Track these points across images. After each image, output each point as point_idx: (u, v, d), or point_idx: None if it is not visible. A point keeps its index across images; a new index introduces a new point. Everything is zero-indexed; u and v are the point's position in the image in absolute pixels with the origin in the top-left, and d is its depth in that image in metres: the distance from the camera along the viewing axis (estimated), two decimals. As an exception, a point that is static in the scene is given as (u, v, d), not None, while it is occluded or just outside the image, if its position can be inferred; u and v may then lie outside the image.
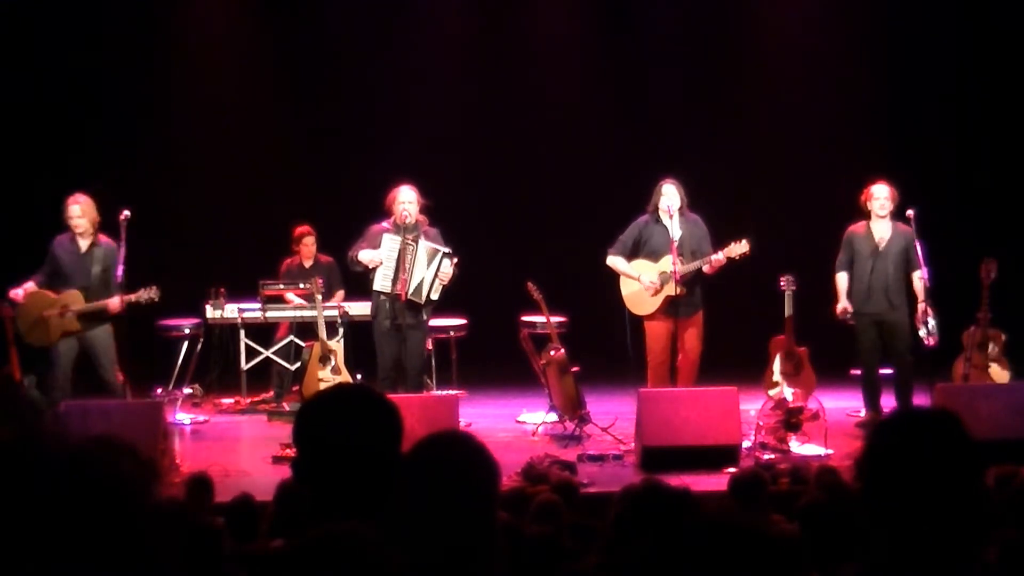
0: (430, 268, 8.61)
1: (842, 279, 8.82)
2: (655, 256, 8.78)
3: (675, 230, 8.72)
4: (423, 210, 8.72)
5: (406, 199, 8.59)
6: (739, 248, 8.56)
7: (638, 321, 8.91)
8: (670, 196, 8.71)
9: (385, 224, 8.62)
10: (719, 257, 8.59)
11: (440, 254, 8.63)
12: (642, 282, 8.75)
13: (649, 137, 11.74)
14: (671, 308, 8.73)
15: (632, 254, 8.86)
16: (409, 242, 8.54)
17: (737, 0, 12.36)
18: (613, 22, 12.17)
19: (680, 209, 8.74)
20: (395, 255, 8.52)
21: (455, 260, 8.75)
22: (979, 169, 11.54)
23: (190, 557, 3.43)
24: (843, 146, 11.66)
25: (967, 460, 2.23)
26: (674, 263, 8.55)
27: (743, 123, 11.87)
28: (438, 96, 11.97)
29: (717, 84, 11.98)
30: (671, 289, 8.63)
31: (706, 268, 8.66)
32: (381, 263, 8.54)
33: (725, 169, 11.56)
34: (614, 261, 8.91)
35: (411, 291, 8.56)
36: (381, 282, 8.60)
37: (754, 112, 11.91)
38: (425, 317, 8.83)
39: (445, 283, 8.78)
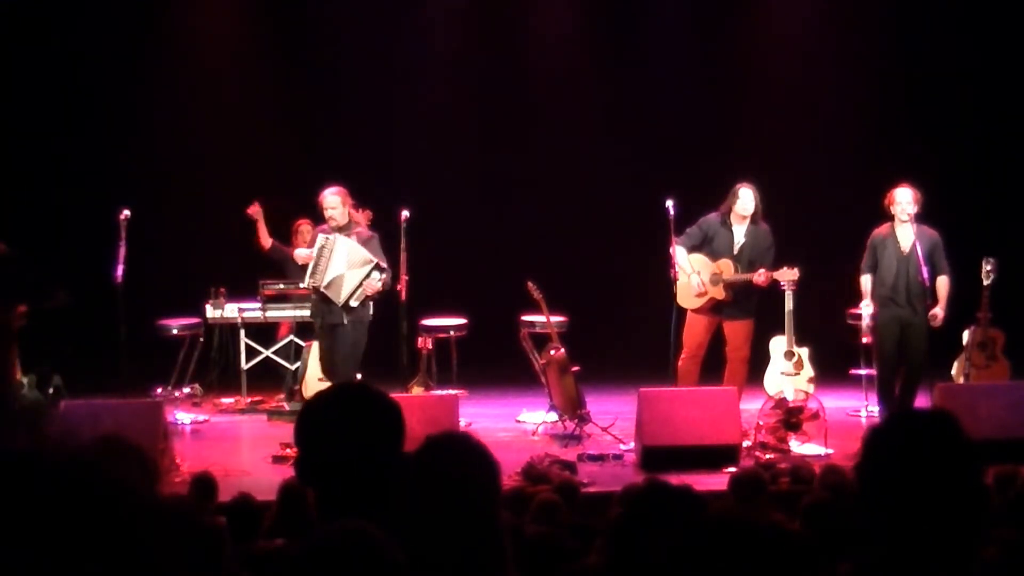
0: (355, 271, 8.54)
1: (865, 281, 8.74)
2: (715, 257, 8.91)
3: (740, 237, 8.87)
4: (357, 208, 8.82)
5: (327, 205, 8.65)
6: (789, 274, 8.73)
7: (684, 316, 8.99)
8: (745, 200, 8.83)
9: (326, 225, 8.75)
10: (759, 278, 8.71)
11: (372, 264, 8.59)
12: (691, 282, 8.86)
13: (652, 137, 11.74)
14: (715, 308, 8.92)
15: (697, 248, 8.95)
16: (329, 237, 8.59)
17: (744, 1, 12.35)
18: (617, 20, 12.17)
19: (752, 216, 8.85)
20: (317, 251, 8.67)
21: (383, 276, 8.68)
22: (979, 169, 11.54)
23: (194, 557, 3.43)
24: (844, 147, 11.65)
25: (964, 460, 2.24)
26: (674, 266, 8.65)
27: (742, 123, 11.86)
28: (438, 95, 11.96)
29: (721, 84, 11.98)
30: (718, 292, 8.84)
31: (758, 280, 8.75)
32: (309, 257, 8.70)
33: (726, 170, 11.53)
34: (678, 251, 8.91)
35: (325, 284, 8.53)
36: (308, 277, 8.69)
37: (753, 112, 11.90)
38: (351, 318, 8.67)
39: (369, 295, 8.76)
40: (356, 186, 11.57)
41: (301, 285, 8.95)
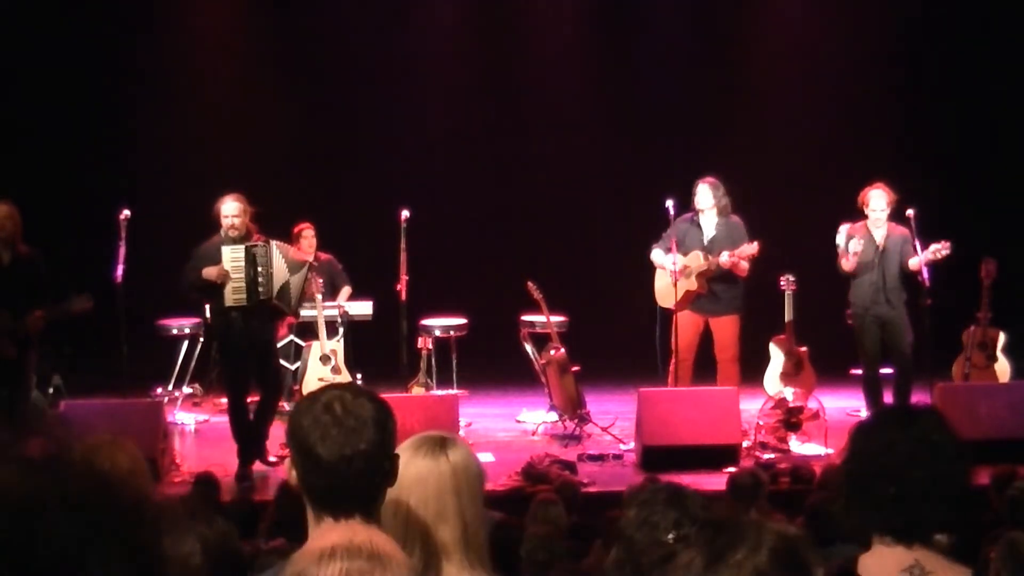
0: (296, 275, 8.10)
1: (844, 263, 8.66)
2: (687, 252, 8.91)
3: (710, 230, 8.83)
4: (253, 218, 8.06)
5: (230, 212, 7.91)
6: (749, 249, 8.70)
7: (668, 318, 8.96)
8: (701, 195, 8.89)
9: (215, 239, 7.99)
10: (725, 259, 8.68)
11: (307, 264, 8.30)
12: (664, 265, 8.84)
13: (650, 137, 11.73)
14: (695, 304, 8.87)
15: (671, 250, 8.94)
16: (257, 244, 7.93)
17: (738, 2, 12.35)
18: (616, 22, 12.17)
19: (720, 210, 8.87)
20: (241, 264, 7.87)
21: (312, 272, 8.62)
22: (979, 169, 11.53)
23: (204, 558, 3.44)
24: (843, 145, 11.65)
25: (949, 456, 2.23)
26: (674, 263, 8.60)
27: (744, 123, 11.86)
28: (439, 95, 11.96)
29: (718, 84, 11.98)
30: (691, 284, 8.78)
31: (725, 264, 8.72)
32: (227, 273, 7.83)
33: (726, 169, 11.53)
34: (654, 254, 8.99)
35: (276, 294, 7.98)
36: (234, 296, 7.86)
37: (754, 112, 11.90)
38: (275, 332, 8.35)
39: (307, 295, 8.66)
40: (356, 186, 11.64)
41: (231, 302, 7.90)
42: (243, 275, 7.87)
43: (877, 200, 8.56)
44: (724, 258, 8.71)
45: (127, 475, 2.71)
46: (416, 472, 2.43)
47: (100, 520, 1.21)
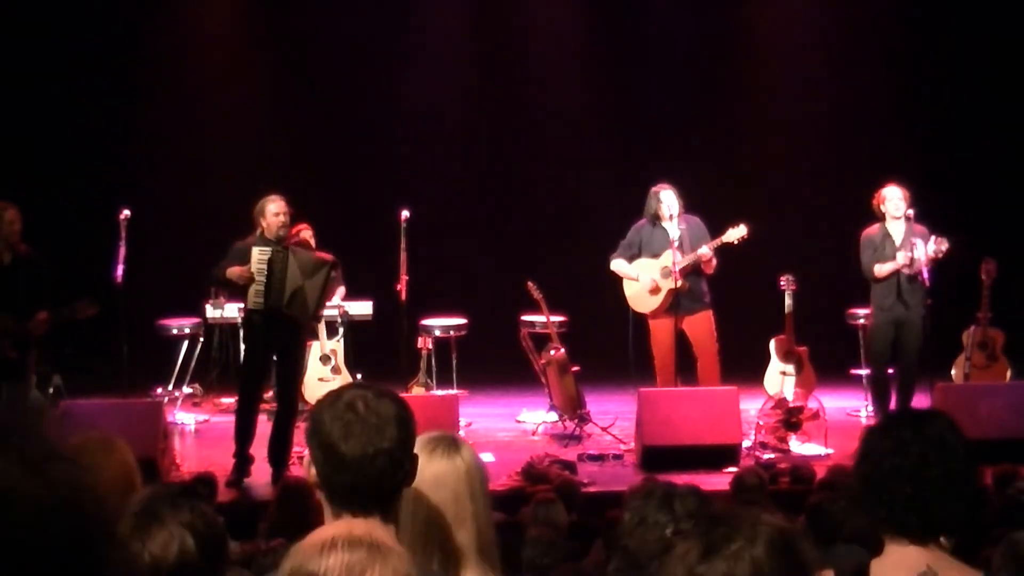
0: (313, 280, 7.88)
1: (880, 268, 8.57)
2: (657, 256, 8.78)
3: (674, 231, 8.71)
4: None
5: (282, 211, 7.85)
6: (737, 232, 8.54)
7: (642, 322, 8.90)
8: (669, 202, 8.69)
9: (250, 239, 7.92)
10: (705, 251, 8.53)
11: (327, 265, 7.99)
12: (641, 281, 8.75)
13: (650, 137, 11.74)
14: (673, 305, 8.68)
15: (636, 256, 8.86)
16: (279, 250, 7.82)
17: (740, 1, 12.35)
18: (614, 22, 12.17)
19: (680, 211, 8.76)
20: (265, 267, 7.76)
21: (336, 272, 8.38)
22: (978, 169, 11.54)
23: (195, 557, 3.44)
24: (843, 146, 11.66)
25: (960, 459, 2.25)
26: (674, 261, 8.53)
27: (743, 123, 11.87)
28: (438, 96, 11.95)
29: (717, 84, 11.98)
30: (671, 283, 8.60)
31: (704, 256, 8.57)
32: (252, 275, 7.73)
33: (725, 169, 11.56)
34: (617, 264, 8.91)
35: (286, 302, 7.77)
36: (253, 299, 7.79)
37: (754, 112, 11.90)
38: (304, 338, 8.16)
39: (330, 298, 8.54)
40: (356, 186, 11.65)
41: (251, 304, 7.84)
42: (264, 278, 7.78)
43: (893, 190, 8.50)
44: (704, 249, 8.56)
45: (110, 479, 2.73)
46: (434, 474, 2.43)
47: (71, 523, 1.21)
